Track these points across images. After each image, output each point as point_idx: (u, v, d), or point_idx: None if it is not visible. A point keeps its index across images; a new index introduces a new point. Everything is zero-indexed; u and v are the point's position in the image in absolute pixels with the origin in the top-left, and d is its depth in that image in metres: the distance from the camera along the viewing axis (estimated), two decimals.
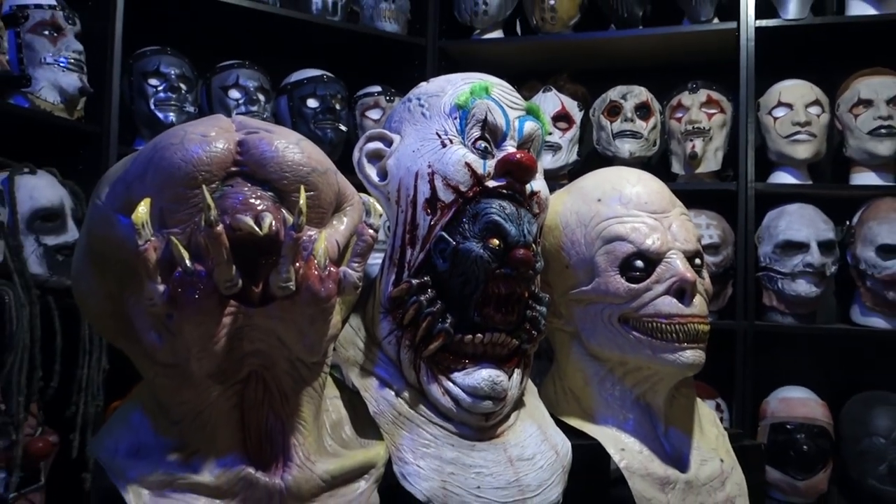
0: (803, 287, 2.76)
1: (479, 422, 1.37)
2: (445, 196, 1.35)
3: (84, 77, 2.49)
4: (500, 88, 1.45)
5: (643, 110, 3.04)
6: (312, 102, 2.98)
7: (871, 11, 2.86)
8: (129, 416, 1.20)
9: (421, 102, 1.44)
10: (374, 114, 3.13)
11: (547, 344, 1.64)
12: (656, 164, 3.17)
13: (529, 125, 1.43)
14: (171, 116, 2.71)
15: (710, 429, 1.63)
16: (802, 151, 2.86)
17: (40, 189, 2.26)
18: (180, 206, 1.06)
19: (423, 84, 1.49)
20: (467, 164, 1.35)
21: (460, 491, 1.31)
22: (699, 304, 1.48)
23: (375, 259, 1.38)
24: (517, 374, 1.41)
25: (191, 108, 2.76)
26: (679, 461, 1.52)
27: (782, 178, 2.94)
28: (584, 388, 1.57)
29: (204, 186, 1.04)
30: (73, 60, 2.45)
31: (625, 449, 1.50)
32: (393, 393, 1.38)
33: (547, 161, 2.99)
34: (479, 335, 1.35)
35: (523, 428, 1.44)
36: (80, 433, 2.26)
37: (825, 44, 3.01)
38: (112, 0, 2.60)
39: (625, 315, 1.48)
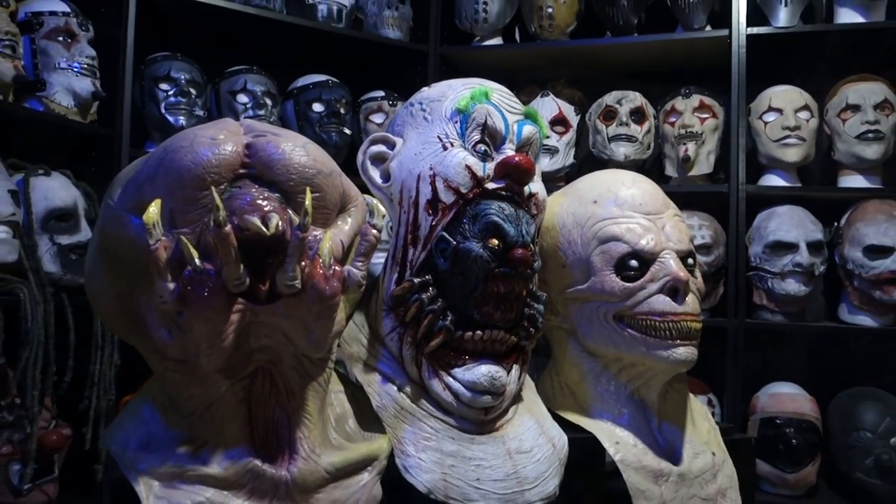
0: (792, 286, 2.76)
1: (479, 416, 1.37)
2: (446, 197, 1.35)
3: (97, 82, 2.49)
4: (500, 93, 1.45)
5: (638, 115, 3.03)
6: (318, 107, 2.98)
7: (859, 19, 2.85)
8: (140, 410, 1.20)
9: (423, 107, 1.44)
10: (377, 118, 3.13)
11: (544, 341, 1.63)
12: (650, 167, 3.17)
13: (528, 129, 1.43)
14: (182, 120, 2.71)
15: (702, 423, 1.63)
16: (792, 155, 2.85)
17: (54, 190, 2.26)
18: (190, 206, 1.06)
19: (425, 89, 1.49)
20: (468, 167, 1.35)
21: (460, 483, 1.31)
22: (692, 302, 1.48)
23: (378, 258, 1.38)
24: (515, 369, 1.41)
25: (200, 112, 2.76)
26: (672, 454, 1.52)
27: (772, 180, 2.94)
28: (581, 383, 1.57)
29: (213, 188, 1.04)
30: (86, 66, 2.45)
31: (619, 442, 1.50)
32: (395, 388, 1.39)
33: (544, 164, 2.98)
34: (478, 332, 1.35)
35: (521, 422, 1.44)
36: (93, 426, 2.26)
37: (814, 51, 3.01)
38: (124, 7, 2.60)
39: (620, 313, 1.48)
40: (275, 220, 1.05)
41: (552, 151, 3.03)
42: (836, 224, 2.85)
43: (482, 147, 1.39)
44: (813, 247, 2.77)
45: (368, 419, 1.36)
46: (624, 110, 3.02)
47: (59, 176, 2.32)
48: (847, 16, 2.88)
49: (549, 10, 3.16)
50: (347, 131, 3.00)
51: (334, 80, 3.06)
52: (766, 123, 2.88)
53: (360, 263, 1.16)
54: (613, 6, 3.08)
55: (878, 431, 2.56)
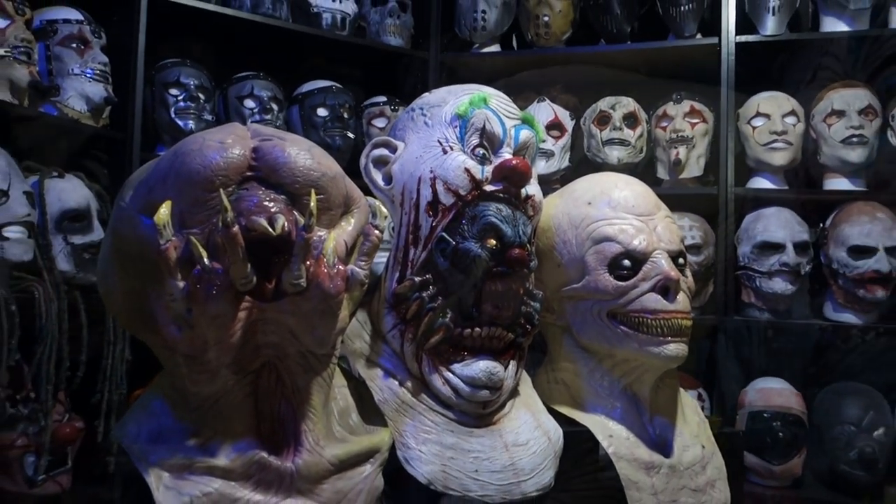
0: (779, 285, 2.76)
1: (477, 410, 1.38)
2: (446, 199, 1.35)
3: (109, 87, 2.49)
4: (498, 99, 1.45)
5: (631, 120, 3.03)
6: (322, 112, 2.98)
7: (844, 28, 2.85)
8: (151, 404, 1.20)
9: (423, 112, 1.44)
10: (379, 122, 3.13)
11: (540, 337, 1.63)
12: (643, 170, 3.16)
13: (524, 133, 1.43)
14: (191, 124, 2.70)
15: (692, 417, 1.63)
16: (779, 158, 2.85)
17: (68, 192, 2.25)
18: (199, 208, 1.06)
19: (426, 95, 1.49)
20: (467, 170, 1.35)
21: (459, 474, 1.31)
22: (682, 300, 1.48)
23: (381, 258, 1.38)
24: (512, 365, 1.41)
25: (209, 117, 2.76)
26: (663, 447, 1.52)
27: (760, 183, 2.94)
28: (575, 378, 1.57)
29: (221, 190, 1.05)
30: (98, 72, 2.45)
31: (612, 435, 1.50)
32: (397, 383, 1.39)
33: (540, 167, 2.98)
34: (477, 329, 1.35)
35: (518, 416, 1.44)
36: (105, 419, 2.26)
37: (801, 58, 3.01)
38: (136, 15, 2.60)
39: (613, 311, 1.48)
40: (281, 221, 1.05)
41: (548, 155, 3.02)
42: (821, 225, 2.85)
43: (481, 151, 1.39)
44: (799, 247, 2.77)
45: (371, 413, 1.36)
46: (617, 115, 3.02)
47: (73, 178, 2.32)
48: (832, 24, 2.88)
49: (546, 18, 3.16)
50: (351, 135, 3.00)
51: (338, 85, 3.06)
52: (754, 128, 2.88)
53: (363, 263, 1.16)
54: (607, 15, 3.09)
55: (862, 425, 2.56)
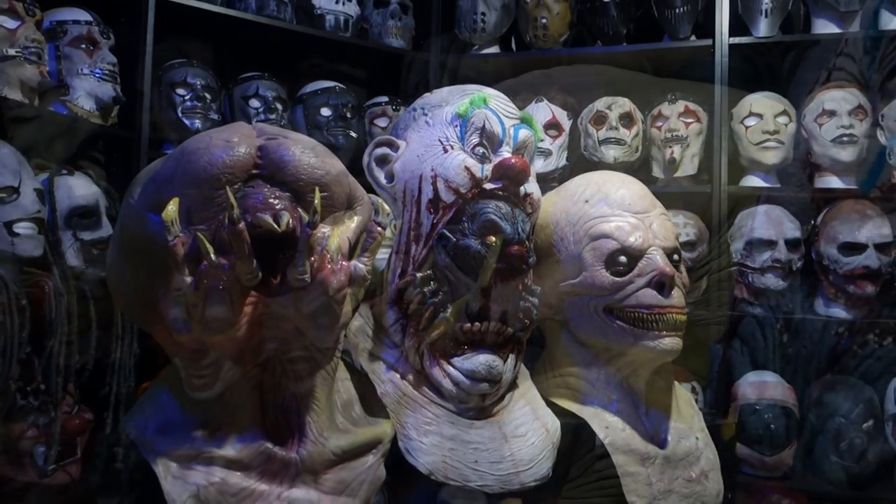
0: (771, 280, 2.77)
1: (477, 402, 1.38)
2: (447, 197, 1.35)
3: (117, 87, 2.48)
4: (497, 99, 1.45)
5: (626, 119, 3.03)
6: (326, 111, 2.98)
7: (835, 30, 2.85)
8: (158, 396, 1.21)
9: (424, 112, 1.44)
10: (381, 122, 3.13)
11: (538, 332, 1.64)
12: (638, 169, 3.15)
13: (523, 133, 1.43)
14: (197, 123, 2.70)
15: (686, 409, 1.63)
16: (771, 157, 2.85)
17: (77, 188, 2.25)
18: (206, 205, 1.06)
19: (427, 95, 1.49)
20: (467, 168, 1.35)
21: (459, 465, 1.32)
22: (677, 296, 1.48)
23: (383, 254, 1.38)
24: (511, 359, 1.41)
25: (215, 116, 2.75)
26: (658, 438, 1.53)
27: (753, 181, 2.93)
28: (572, 372, 1.57)
29: (227, 187, 1.05)
30: (107, 71, 2.45)
31: (609, 427, 1.50)
32: (398, 376, 1.39)
33: (539, 165, 2.98)
34: (476, 324, 1.35)
35: (517, 408, 1.44)
36: (113, 411, 2.25)
37: (793, 59, 3.00)
38: (143, 16, 2.59)
39: (609, 306, 1.48)
40: (286, 218, 1.05)
41: (546, 154, 3.02)
42: (812, 222, 2.85)
43: (480, 150, 1.38)
44: (791, 244, 2.77)
45: (373, 405, 1.36)
46: (613, 115, 3.01)
47: (82, 175, 2.32)
48: (823, 26, 2.88)
49: (544, 20, 3.16)
50: (354, 134, 2.99)
51: (341, 86, 3.05)
52: (747, 128, 2.88)
53: (366, 259, 1.16)
54: (604, 17, 3.08)
55: (852, 417, 2.57)
